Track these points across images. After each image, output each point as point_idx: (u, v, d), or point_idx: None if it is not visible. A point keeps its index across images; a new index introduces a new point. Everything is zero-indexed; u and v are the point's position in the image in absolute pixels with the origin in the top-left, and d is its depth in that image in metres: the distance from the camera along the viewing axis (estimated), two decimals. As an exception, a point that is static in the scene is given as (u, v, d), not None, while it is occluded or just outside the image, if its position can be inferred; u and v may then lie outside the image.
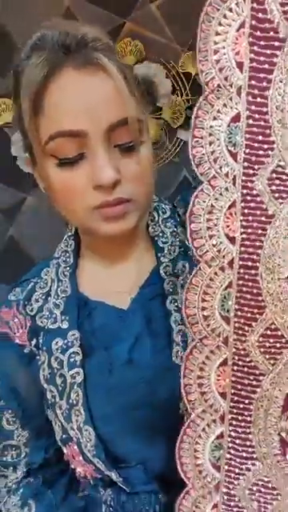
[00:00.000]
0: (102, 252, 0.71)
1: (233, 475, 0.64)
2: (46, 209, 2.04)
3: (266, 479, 0.64)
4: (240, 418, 0.61)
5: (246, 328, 0.59)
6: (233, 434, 0.62)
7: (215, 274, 0.56)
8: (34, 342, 0.74)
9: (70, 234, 0.81)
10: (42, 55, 0.57)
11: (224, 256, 0.56)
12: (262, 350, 0.59)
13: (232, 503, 0.66)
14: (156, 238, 0.72)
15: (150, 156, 0.62)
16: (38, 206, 2.04)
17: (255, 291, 0.57)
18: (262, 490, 0.64)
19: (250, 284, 0.57)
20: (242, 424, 0.62)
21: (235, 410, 0.61)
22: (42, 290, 0.78)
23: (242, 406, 0.61)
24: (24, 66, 0.62)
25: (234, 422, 0.62)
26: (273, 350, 0.58)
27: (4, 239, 2.09)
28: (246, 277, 0.57)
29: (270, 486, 0.65)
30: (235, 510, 0.65)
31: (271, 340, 0.59)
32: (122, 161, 0.58)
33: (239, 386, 0.61)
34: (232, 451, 0.63)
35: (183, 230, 0.71)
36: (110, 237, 0.63)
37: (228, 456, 0.63)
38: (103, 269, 0.73)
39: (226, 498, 0.65)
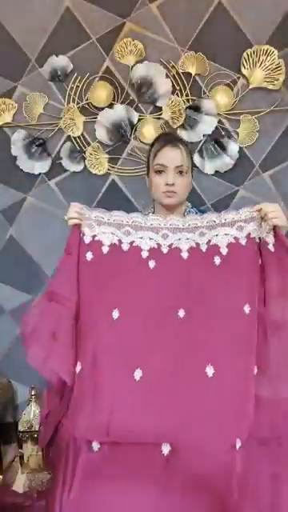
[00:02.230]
0: (163, 212, 1.49)
1: None
2: (45, 209, 2.05)
3: None
4: None
5: None
6: None
7: None
8: None
9: (152, 204, 1.59)
10: (160, 142, 1.48)
11: None
12: None
13: None
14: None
15: (189, 180, 1.49)
16: (37, 206, 2.04)
17: None
18: None
19: None
20: None
21: None
22: None
23: None
24: (154, 145, 1.49)
25: None
26: None
27: (4, 239, 2.09)
28: None
29: None
30: None
31: None
32: (178, 178, 1.43)
33: None
34: None
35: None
36: (166, 205, 1.47)
37: None
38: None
39: None
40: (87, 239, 1.32)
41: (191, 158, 1.51)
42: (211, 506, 1.02)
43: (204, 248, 1.25)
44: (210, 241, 1.25)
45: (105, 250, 1.25)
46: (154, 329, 1.15)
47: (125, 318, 1.16)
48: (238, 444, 1.02)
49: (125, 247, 1.25)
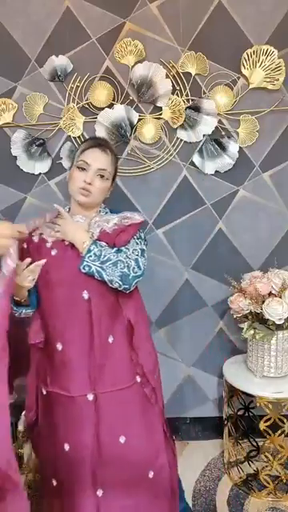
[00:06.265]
0: (77, 210, 1.57)
1: None
2: (45, 209, 2.04)
3: None
4: None
5: None
6: None
7: None
8: None
9: (69, 203, 1.62)
10: (91, 141, 1.56)
11: None
12: None
13: None
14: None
15: (107, 186, 1.54)
16: (37, 206, 2.04)
17: None
18: None
19: None
20: None
21: None
22: None
23: None
24: (84, 143, 1.56)
25: None
26: None
27: (4, 239, 2.09)
28: None
29: None
30: None
31: None
32: (97, 180, 1.50)
33: None
34: None
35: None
36: (80, 203, 1.53)
37: None
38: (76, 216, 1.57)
39: None
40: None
41: (116, 168, 1.57)
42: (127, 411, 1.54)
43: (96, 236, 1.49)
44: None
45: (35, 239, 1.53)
46: (68, 309, 1.46)
47: (46, 297, 1.50)
48: (137, 380, 1.53)
49: (35, 239, 1.51)
